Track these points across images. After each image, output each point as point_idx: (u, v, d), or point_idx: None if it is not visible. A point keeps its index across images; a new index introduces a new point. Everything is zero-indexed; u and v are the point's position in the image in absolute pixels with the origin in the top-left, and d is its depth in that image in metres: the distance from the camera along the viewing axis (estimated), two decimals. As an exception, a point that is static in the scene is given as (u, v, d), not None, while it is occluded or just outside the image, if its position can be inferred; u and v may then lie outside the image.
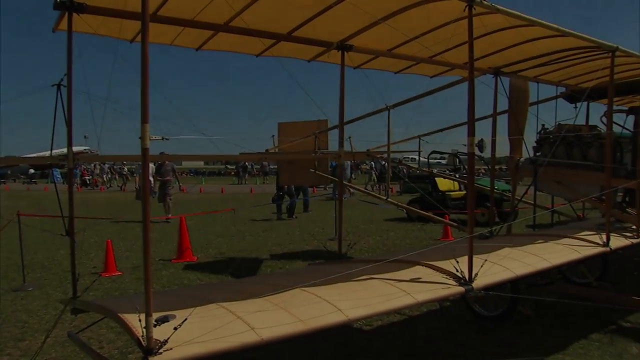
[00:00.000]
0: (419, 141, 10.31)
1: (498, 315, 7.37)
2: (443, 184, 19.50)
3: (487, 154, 8.56)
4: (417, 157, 20.70)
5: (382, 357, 6.23)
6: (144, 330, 3.19)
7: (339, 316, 3.80)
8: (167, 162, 19.90)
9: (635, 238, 7.48)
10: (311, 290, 4.21)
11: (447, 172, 20.37)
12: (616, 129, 8.00)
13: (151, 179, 19.80)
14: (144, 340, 3.17)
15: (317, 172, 9.94)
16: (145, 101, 3.28)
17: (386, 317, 7.56)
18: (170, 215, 19.45)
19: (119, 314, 3.52)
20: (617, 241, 7.19)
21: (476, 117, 8.66)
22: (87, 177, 53.96)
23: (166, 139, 3.57)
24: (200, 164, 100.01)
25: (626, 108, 8.84)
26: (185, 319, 3.36)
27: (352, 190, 23.08)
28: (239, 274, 10.04)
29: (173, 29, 5.49)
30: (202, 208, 22.29)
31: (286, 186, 20.49)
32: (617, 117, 8.21)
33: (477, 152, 10.09)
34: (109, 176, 56.13)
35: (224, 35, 5.77)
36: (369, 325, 7.32)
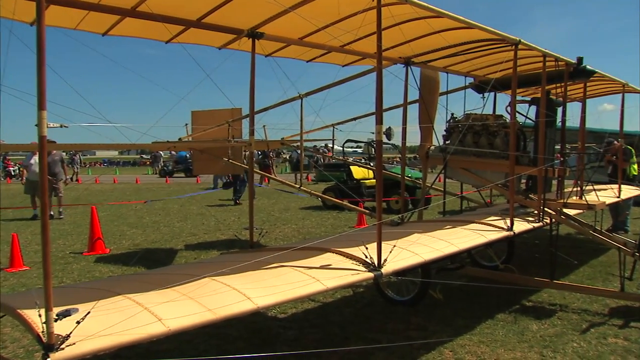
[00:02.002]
0: (333, 130, 10.43)
1: (409, 300, 7.60)
2: (358, 172, 19.77)
3: (399, 142, 8.75)
4: (332, 146, 21.05)
5: (296, 343, 6.27)
6: (44, 325, 3.07)
7: (248, 305, 3.79)
8: (53, 152, 16.51)
9: (537, 222, 7.87)
10: (221, 279, 4.18)
11: (363, 160, 20.71)
12: (520, 118, 8.37)
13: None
14: (44, 336, 3.05)
15: (230, 160, 9.87)
16: (42, 86, 3.14)
17: (300, 305, 7.62)
18: (61, 208, 17.89)
19: (18, 310, 3.36)
20: (520, 225, 7.54)
21: (389, 106, 8.89)
22: (11, 169, 50.61)
23: (65, 126, 3.42)
24: (114, 153, 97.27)
25: (529, 99, 9.25)
26: (89, 312, 3.26)
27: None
28: (151, 265, 9.84)
29: (76, 12, 5.25)
30: (116, 199, 21.64)
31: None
32: (521, 108, 8.60)
33: (388, 140, 10.26)
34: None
35: (131, 20, 5.56)
36: (283, 313, 7.36)
